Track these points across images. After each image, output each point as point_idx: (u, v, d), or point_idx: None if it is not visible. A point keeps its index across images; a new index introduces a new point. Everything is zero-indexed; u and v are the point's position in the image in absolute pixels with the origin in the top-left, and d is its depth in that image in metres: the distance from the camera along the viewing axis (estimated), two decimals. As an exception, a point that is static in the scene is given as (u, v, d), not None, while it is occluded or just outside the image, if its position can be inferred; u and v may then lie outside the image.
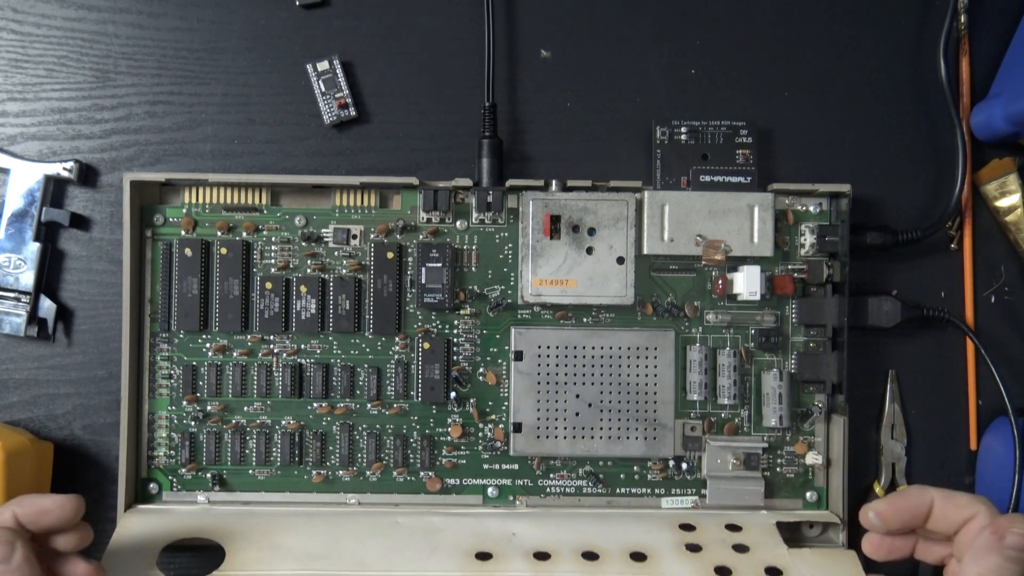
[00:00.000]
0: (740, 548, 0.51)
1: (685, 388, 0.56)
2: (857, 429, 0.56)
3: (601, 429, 0.55)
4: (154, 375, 0.55)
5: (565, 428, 0.55)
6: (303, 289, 0.55)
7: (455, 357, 0.56)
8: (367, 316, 0.55)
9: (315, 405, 0.55)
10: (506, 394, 0.56)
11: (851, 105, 0.58)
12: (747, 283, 0.54)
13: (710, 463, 0.56)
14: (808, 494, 0.56)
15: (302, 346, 0.55)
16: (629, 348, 0.55)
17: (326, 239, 0.55)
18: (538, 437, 0.55)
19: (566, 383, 0.55)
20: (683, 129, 0.56)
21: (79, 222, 0.56)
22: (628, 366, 0.55)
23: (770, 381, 0.55)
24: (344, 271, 0.55)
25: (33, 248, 0.55)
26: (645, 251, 0.55)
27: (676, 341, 0.56)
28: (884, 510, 0.45)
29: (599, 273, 0.55)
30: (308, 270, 0.55)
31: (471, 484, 0.56)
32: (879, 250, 0.56)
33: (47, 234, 0.56)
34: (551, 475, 0.56)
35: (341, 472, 0.56)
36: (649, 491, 0.56)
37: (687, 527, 0.53)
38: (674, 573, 0.49)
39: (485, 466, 0.56)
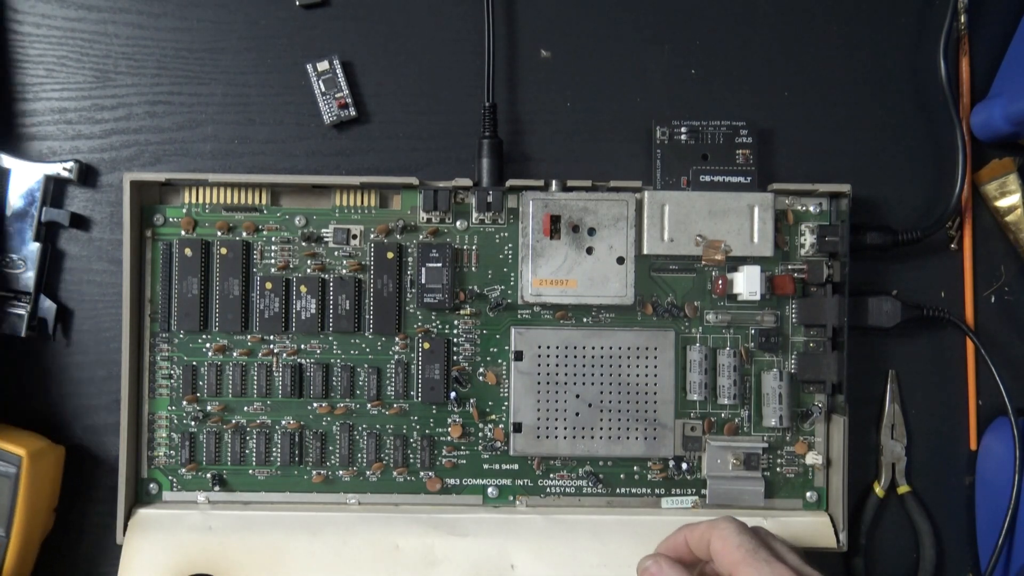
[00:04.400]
0: None
1: (685, 388, 0.56)
2: (857, 429, 0.56)
3: (601, 429, 0.55)
4: (154, 375, 0.55)
5: (565, 428, 0.55)
6: (303, 289, 0.55)
7: (455, 357, 0.56)
8: (367, 316, 0.55)
9: (315, 405, 0.55)
10: (506, 394, 0.56)
11: (851, 105, 0.58)
12: (747, 283, 0.54)
13: (710, 463, 0.56)
14: (808, 494, 0.56)
15: (302, 346, 0.55)
16: (629, 348, 0.55)
17: (326, 239, 0.55)
18: (538, 437, 0.55)
19: (566, 383, 0.55)
20: (683, 129, 0.56)
21: (79, 222, 0.56)
22: (628, 366, 0.55)
23: (770, 381, 0.55)
24: (344, 271, 0.55)
25: (33, 248, 0.55)
26: (645, 251, 0.55)
27: (676, 341, 0.56)
28: (659, 551, 0.49)
29: (599, 273, 0.55)
30: (308, 270, 0.55)
31: (471, 484, 0.56)
32: (879, 250, 0.56)
33: (47, 234, 0.56)
34: (551, 475, 0.56)
35: (341, 472, 0.56)
36: (649, 491, 0.56)
37: None
38: None
39: (485, 466, 0.56)
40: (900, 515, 0.57)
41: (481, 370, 0.56)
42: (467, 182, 0.55)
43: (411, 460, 0.56)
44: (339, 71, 0.56)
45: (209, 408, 0.55)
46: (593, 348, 0.55)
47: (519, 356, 0.55)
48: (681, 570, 0.46)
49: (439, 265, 0.54)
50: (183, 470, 0.55)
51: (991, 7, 0.58)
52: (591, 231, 0.55)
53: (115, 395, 0.54)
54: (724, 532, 0.45)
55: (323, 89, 0.56)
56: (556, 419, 0.55)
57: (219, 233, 0.55)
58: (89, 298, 0.56)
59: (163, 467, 0.55)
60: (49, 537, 0.55)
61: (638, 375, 0.55)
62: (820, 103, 0.58)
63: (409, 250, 0.55)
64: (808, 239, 0.56)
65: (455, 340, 0.56)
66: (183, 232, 0.55)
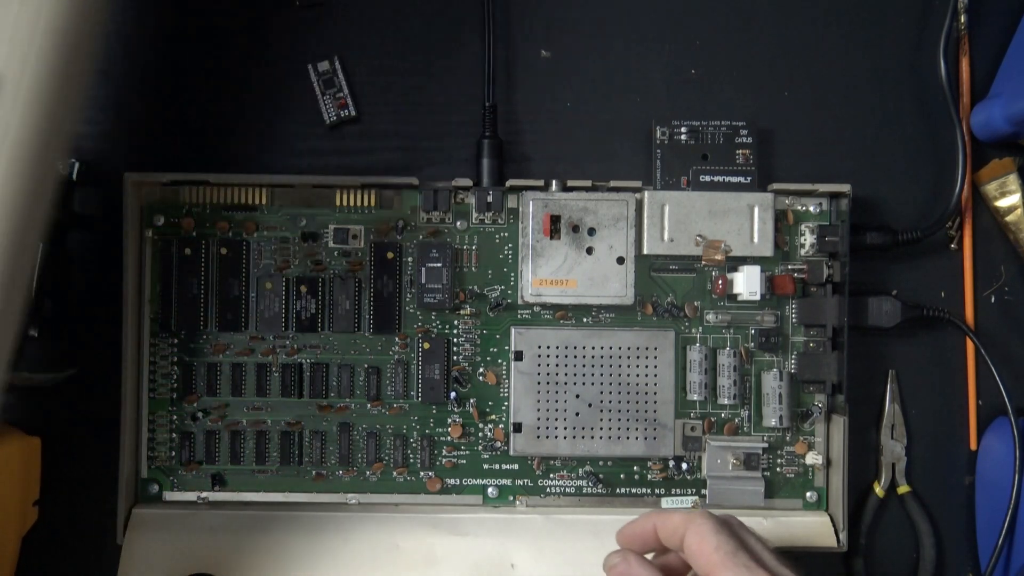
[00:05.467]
0: None
1: (685, 388, 0.56)
2: (857, 429, 0.56)
3: (601, 429, 0.55)
4: (154, 375, 0.55)
5: (565, 428, 0.55)
6: (303, 289, 0.55)
7: (455, 357, 0.56)
8: (367, 316, 0.55)
9: (315, 405, 0.55)
10: (506, 394, 0.56)
11: (851, 105, 0.58)
12: (747, 283, 0.54)
13: (710, 463, 0.56)
14: (808, 494, 0.56)
15: (301, 346, 0.55)
16: (629, 348, 0.55)
17: (326, 239, 0.55)
18: (538, 437, 0.55)
19: (566, 383, 0.55)
20: (683, 129, 0.56)
21: (79, 222, 0.56)
22: (628, 366, 0.55)
23: (770, 381, 0.55)
24: (344, 271, 0.55)
25: (33, 248, 0.55)
26: (645, 251, 0.55)
27: (676, 341, 0.56)
28: (619, 537, 0.48)
29: (599, 273, 0.55)
30: (308, 270, 0.55)
31: (471, 484, 0.56)
32: (879, 250, 0.56)
33: (47, 234, 0.56)
34: (551, 475, 0.56)
35: (341, 472, 0.56)
36: (649, 491, 0.56)
37: None
38: None
39: (485, 466, 0.56)
40: (900, 515, 0.57)
41: (481, 370, 0.56)
42: (467, 182, 0.55)
43: (411, 460, 0.56)
44: (339, 71, 0.56)
45: (209, 408, 0.55)
46: (593, 348, 0.55)
47: (519, 356, 0.55)
48: (651, 569, 0.45)
49: (439, 265, 0.54)
50: (183, 470, 0.55)
51: (991, 7, 0.58)
52: (591, 231, 0.55)
53: (115, 395, 0.54)
54: (701, 529, 0.43)
55: (323, 89, 0.56)
56: (556, 419, 0.55)
57: (219, 233, 0.55)
58: (89, 298, 0.56)
59: (163, 467, 0.55)
60: (47, 536, 0.55)
61: (638, 375, 0.55)
62: (820, 103, 0.58)
63: (409, 250, 0.55)
64: (808, 239, 0.56)
65: (455, 340, 0.56)
66: (183, 232, 0.55)
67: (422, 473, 0.56)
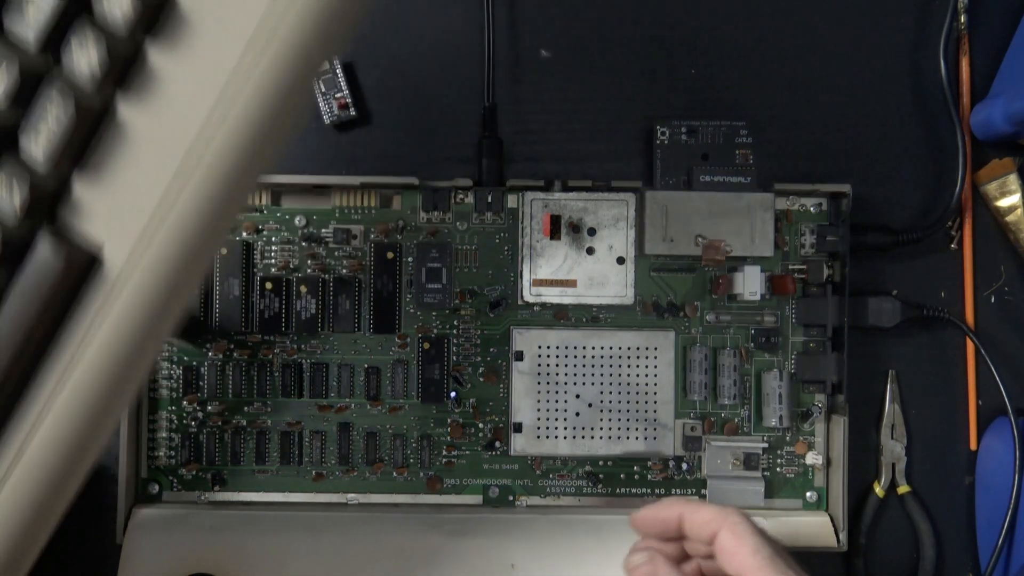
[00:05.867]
0: None
1: (685, 388, 0.56)
2: (857, 429, 0.56)
3: (601, 429, 0.55)
4: (154, 375, 0.55)
5: (565, 428, 0.55)
6: (303, 289, 0.55)
7: (454, 357, 0.56)
8: (367, 316, 0.55)
9: (314, 405, 0.55)
10: (506, 394, 0.56)
11: (851, 105, 0.58)
12: (747, 283, 0.54)
13: (710, 463, 0.56)
14: (808, 494, 0.56)
15: (302, 346, 0.55)
16: (629, 348, 0.55)
17: (326, 239, 0.55)
18: (538, 437, 0.55)
19: (566, 383, 0.55)
20: (683, 129, 0.56)
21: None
22: (628, 366, 0.55)
23: (770, 381, 0.55)
24: (344, 271, 0.55)
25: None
26: (645, 251, 0.55)
27: (676, 341, 0.56)
28: (637, 518, 0.46)
29: (599, 273, 0.55)
30: (308, 270, 0.55)
31: (471, 484, 0.56)
32: (879, 250, 0.56)
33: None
34: (551, 475, 0.56)
35: (340, 472, 0.56)
36: (649, 491, 0.56)
37: None
38: None
39: (485, 466, 0.56)
40: (900, 515, 0.57)
41: (481, 370, 0.56)
42: (467, 182, 0.55)
43: (411, 460, 0.56)
44: (339, 71, 0.56)
45: (209, 408, 0.55)
46: (593, 348, 0.55)
47: (519, 356, 0.55)
48: (678, 574, 0.44)
49: (439, 265, 0.55)
50: (183, 470, 0.55)
51: (991, 7, 0.58)
52: (591, 231, 0.55)
53: (115, 395, 0.54)
54: (738, 530, 0.42)
55: (323, 89, 0.56)
56: (556, 419, 0.55)
57: (219, 233, 0.55)
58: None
59: (163, 467, 0.55)
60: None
61: (638, 375, 0.55)
62: (820, 103, 0.58)
63: (409, 250, 0.55)
64: (808, 239, 0.56)
65: (454, 340, 0.56)
66: (183, 232, 0.55)
67: (422, 473, 0.56)
